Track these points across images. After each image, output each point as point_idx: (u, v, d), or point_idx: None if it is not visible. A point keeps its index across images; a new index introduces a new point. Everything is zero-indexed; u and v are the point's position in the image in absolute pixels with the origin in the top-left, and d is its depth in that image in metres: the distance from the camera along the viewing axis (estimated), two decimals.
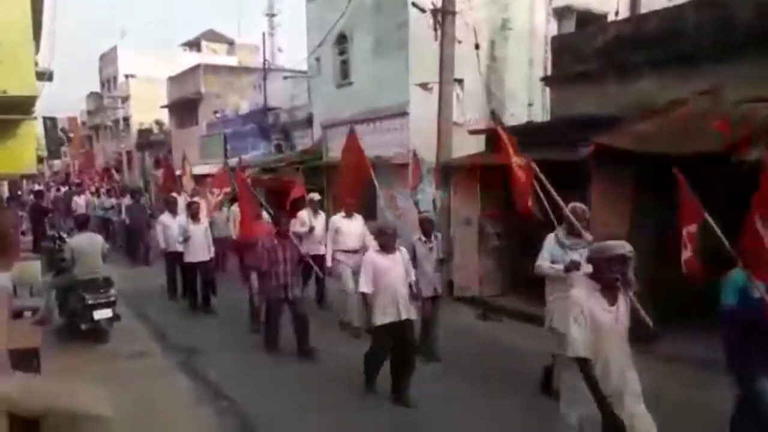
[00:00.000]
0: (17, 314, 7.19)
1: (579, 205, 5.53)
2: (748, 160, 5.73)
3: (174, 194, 11.74)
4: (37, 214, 15.51)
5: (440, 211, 10.59)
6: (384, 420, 5.49)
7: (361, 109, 14.36)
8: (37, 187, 23.29)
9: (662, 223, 5.78)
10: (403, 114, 13.14)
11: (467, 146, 10.89)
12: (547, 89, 11.21)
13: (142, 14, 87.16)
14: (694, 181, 4.46)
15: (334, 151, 15.74)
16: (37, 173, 23.96)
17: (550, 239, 5.48)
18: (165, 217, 10.31)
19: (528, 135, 9.55)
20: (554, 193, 5.52)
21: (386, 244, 5.61)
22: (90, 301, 7.59)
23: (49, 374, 6.32)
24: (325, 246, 8.77)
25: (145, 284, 11.49)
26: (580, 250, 5.16)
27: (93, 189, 20.83)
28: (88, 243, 8.13)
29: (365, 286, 5.53)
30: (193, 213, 9.56)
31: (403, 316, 5.52)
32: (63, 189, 26.17)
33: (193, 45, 41.89)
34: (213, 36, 42.16)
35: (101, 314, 7.62)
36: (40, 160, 22.73)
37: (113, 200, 17.28)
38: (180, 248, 9.58)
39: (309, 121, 17.67)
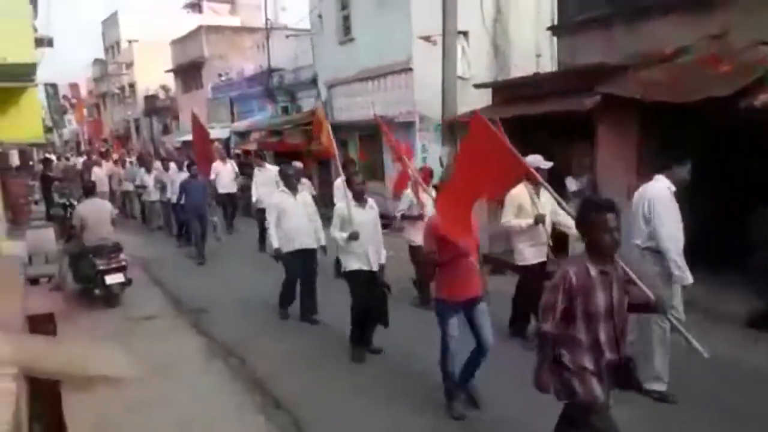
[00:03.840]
0: (33, 281, 7.35)
1: None
2: (756, 105, 5.63)
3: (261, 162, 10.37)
4: (45, 182, 15.65)
5: (446, 169, 10.52)
6: None
7: (364, 67, 14.16)
8: (45, 156, 23.33)
9: None
10: (407, 70, 12.93)
11: (474, 101, 10.71)
12: (555, 39, 10.94)
13: None
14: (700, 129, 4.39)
15: (340, 110, 15.65)
16: (47, 142, 23.85)
17: None
18: (283, 197, 6.86)
19: (535, 87, 9.41)
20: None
21: None
22: (101, 267, 7.74)
23: (66, 338, 6.49)
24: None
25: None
26: None
27: (115, 158, 18.90)
28: (96, 209, 8.22)
29: None
30: (357, 192, 5.85)
31: None
32: (80, 159, 24.25)
33: (195, 6, 41.26)
34: None
35: (113, 279, 7.79)
36: (49, 129, 22.67)
37: (144, 172, 14.01)
38: (313, 244, 6.85)
39: (314, 81, 17.46)
